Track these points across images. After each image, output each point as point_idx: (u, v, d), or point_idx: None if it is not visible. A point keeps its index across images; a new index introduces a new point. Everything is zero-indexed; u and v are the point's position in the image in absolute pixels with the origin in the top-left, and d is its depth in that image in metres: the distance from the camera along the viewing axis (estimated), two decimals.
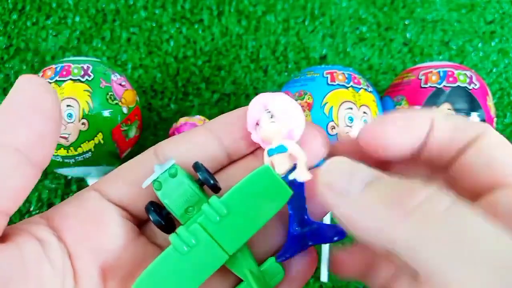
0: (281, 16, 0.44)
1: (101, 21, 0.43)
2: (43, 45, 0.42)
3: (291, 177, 0.17)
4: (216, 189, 0.18)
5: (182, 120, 0.35)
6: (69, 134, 0.30)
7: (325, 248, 0.34)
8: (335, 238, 0.18)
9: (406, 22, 0.45)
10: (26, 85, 0.15)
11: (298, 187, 0.18)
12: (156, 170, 0.17)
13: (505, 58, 0.44)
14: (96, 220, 0.18)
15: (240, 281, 0.19)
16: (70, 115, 0.30)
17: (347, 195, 0.13)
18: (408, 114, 0.16)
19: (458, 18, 0.46)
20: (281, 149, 0.17)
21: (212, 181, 0.17)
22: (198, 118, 0.36)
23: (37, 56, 0.42)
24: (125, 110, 0.32)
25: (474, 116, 0.32)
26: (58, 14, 0.44)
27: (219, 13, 0.44)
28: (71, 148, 0.31)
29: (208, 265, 0.17)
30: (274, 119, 0.18)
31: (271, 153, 0.18)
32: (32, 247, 0.16)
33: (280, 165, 0.17)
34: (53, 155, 0.31)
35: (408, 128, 0.15)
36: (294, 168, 0.18)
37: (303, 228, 0.18)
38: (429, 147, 0.16)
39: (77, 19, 0.43)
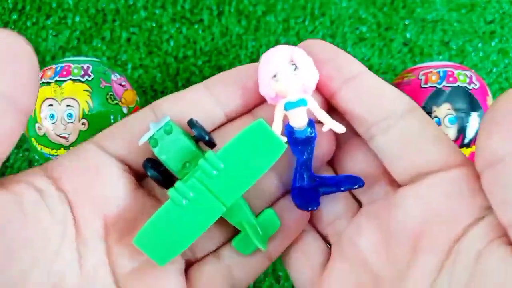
0: (281, 16, 0.44)
1: (101, 21, 0.43)
2: (43, 45, 0.42)
3: (324, 129, 0.18)
4: (211, 144, 0.18)
5: None
6: (69, 134, 0.30)
7: None
8: (356, 186, 0.18)
9: (406, 22, 0.45)
10: (2, 37, 0.15)
11: (312, 141, 0.18)
12: (151, 127, 0.18)
13: (505, 58, 0.44)
14: (96, 171, 0.18)
15: (238, 231, 0.19)
16: (70, 115, 0.30)
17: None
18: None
19: (458, 18, 0.46)
20: (302, 102, 0.17)
21: (206, 137, 0.18)
22: None
23: (37, 56, 0.42)
24: (125, 110, 0.33)
25: (474, 116, 0.32)
26: (58, 14, 0.44)
27: (219, 13, 0.44)
28: (71, 148, 0.31)
29: (207, 217, 0.18)
30: (297, 72, 0.17)
31: (290, 106, 0.17)
32: (30, 194, 0.16)
33: (300, 118, 0.17)
34: (53, 155, 0.31)
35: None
36: (310, 122, 0.18)
37: (311, 181, 0.19)
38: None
39: (77, 19, 0.43)
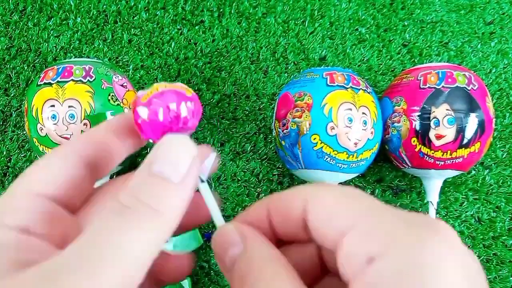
0: (281, 17, 0.45)
1: (103, 23, 0.44)
2: (44, 46, 0.43)
3: None
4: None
5: (160, 85, 0.22)
6: (71, 135, 0.31)
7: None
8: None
9: (405, 23, 0.45)
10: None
11: None
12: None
13: (504, 59, 0.44)
14: None
15: None
16: (72, 116, 0.31)
17: (226, 266, 0.16)
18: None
19: (457, 19, 0.46)
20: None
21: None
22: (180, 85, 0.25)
23: (38, 57, 0.42)
24: (126, 111, 0.33)
25: (473, 117, 0.32)
26: (59, 15, 0.44)
27: (219, 14, 0.45)
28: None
29: None
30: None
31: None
32: None
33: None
34: None
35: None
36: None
37: None
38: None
39: (78, 20, 0.44)
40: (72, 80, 0.31)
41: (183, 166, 0.15)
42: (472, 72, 0.34)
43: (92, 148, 0.17)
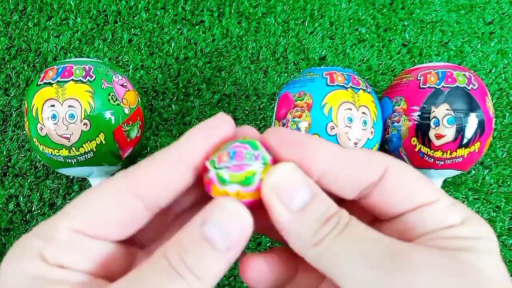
0: (281, 17, 0.45)
1: (103, 22, 0.44)
2: (45, 46, 0.43)
3: None
4: None
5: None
6: (71, 135, 0.31)
7: None
8: None
9: (405, 23, 0.45)
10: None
11: None
12: None
13: (504, 59, 0.44)
14: None
15: None
16: (72, 116, 0.31)
17: (287, 210, 0.16)
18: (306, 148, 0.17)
19: (457, 19, 0.46)
20: None
21: None
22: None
23: (38, 57, 0.42)
24: (126, 110, 0.33)
25: (473, 116, 0.32)
26: (59, 15, 0.44)
27: (219, 14, 0.45)
28: (73, 148, 0.31)
29: None
30: None
31: None
32: None
33: None
34: (55, 155, 0.32)
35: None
36: None
37: None
38: (328, 181, 0.17)
39: (79, 20, 0.44)
40: (72, 80, 0.31)
41: (232, 236, 0.15)
42: (472, 72, 0.34)
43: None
